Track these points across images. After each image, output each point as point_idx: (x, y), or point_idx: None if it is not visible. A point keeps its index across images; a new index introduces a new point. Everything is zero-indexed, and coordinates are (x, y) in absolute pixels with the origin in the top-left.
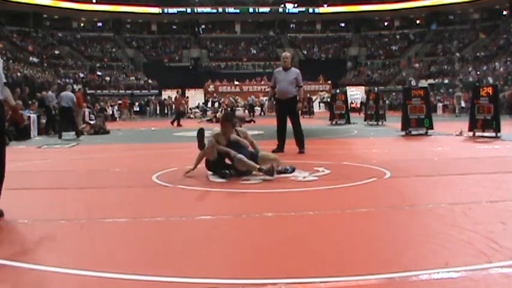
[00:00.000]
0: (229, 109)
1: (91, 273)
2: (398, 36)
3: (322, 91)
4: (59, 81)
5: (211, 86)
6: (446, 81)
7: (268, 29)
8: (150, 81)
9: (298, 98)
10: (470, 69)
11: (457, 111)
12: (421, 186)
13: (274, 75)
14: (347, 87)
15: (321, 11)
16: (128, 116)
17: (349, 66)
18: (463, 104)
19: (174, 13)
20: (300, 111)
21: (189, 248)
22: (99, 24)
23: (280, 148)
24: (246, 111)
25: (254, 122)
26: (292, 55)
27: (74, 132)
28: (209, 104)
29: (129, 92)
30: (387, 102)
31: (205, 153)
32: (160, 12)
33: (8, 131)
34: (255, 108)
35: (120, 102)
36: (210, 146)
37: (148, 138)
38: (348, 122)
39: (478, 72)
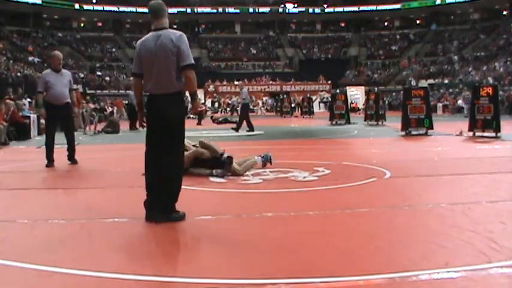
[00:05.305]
0: (228, 109)
1: (91, 273)
2: (398, 36)
3: (322, 91)
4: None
5: (211, 86)
6: (446, 81)
7: (268, 29)
8: None
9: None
10: (470, 69)
11: (465, 111)
12: (421, 186)
13: (44, 78)
14: (347, 87)
15: (321, 11)
16: (124, 117)
17: (347, 74)
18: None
19: (174, 13)
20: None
21: (189, 248)
22: (99, 24)
23: (50, 162)
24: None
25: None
26: None
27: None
28: (209, 104)
29: (129, 91)
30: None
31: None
32: None
33: (8, 131)
34: (255, 108)
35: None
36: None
37: None
38: (348, 122)
39: (478, 72)
